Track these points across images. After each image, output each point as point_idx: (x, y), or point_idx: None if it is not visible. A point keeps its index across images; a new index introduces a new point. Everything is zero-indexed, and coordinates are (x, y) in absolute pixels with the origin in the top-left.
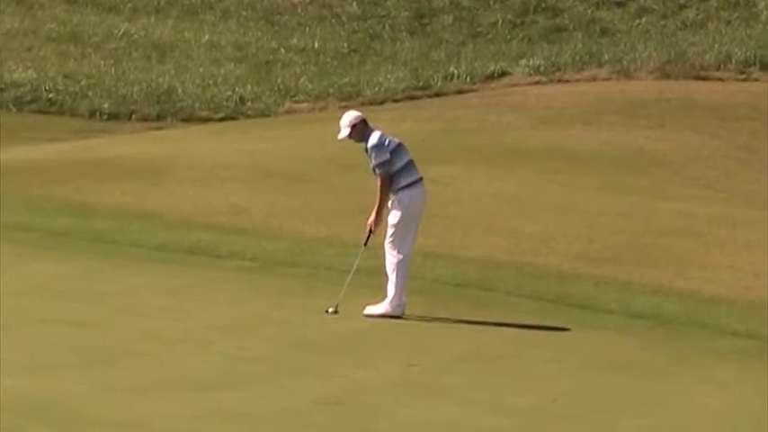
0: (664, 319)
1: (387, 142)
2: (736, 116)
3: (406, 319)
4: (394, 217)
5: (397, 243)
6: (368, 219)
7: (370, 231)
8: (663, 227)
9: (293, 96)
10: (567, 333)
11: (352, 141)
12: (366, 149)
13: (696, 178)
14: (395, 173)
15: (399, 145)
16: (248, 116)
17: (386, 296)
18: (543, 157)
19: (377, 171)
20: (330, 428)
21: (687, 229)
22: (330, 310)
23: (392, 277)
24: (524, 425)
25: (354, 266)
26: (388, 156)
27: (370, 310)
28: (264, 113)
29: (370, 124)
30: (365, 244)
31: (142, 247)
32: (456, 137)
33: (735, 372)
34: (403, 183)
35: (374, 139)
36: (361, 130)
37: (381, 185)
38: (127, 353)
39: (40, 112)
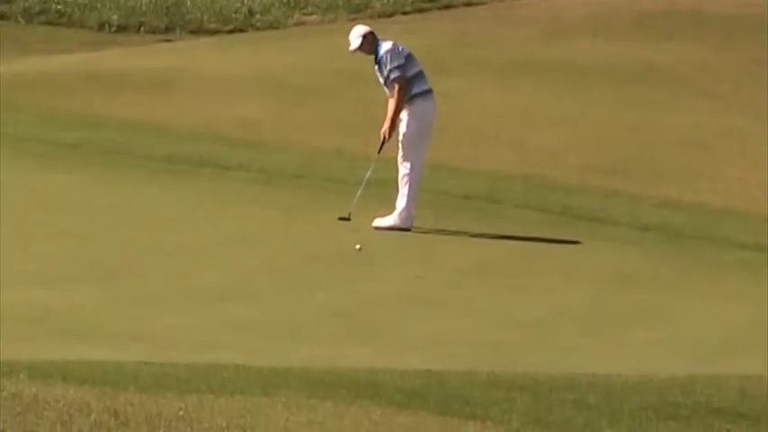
0: (672, 231)
1: (400, 48)
2: (746, 28)
3: (414, 231)
4: (407, 129)
5: (409, 156)
6: (381, 128)
7: (384, 139)
8: (672, 140)
9: (302, 9)
10: (574, 245)
11: (362, 54)
12: (377, 61)
13: (705, 91)
14: (408, 79)
15: (410, 54)
16: (257, 28)
17: (395, 208)
18: (552, 69)
19: (392, 76)
20: (339, 341)
21: (696, 141)
22: (345, 215)
23: (403, 190)
24: (532, 337)
25: (367, 176)
26: (402, 60)
27: (378, 222)
28: (273, 26)
29: (379, 37)
30: (378, 152)
31: (151, 160)
32: (465, 50)
33: (743, 284)
34: (416, 90)
35: (387, 45)
36: (371, 41)
37: (398, 91)
38: (135, 265)
39: (49, 23)
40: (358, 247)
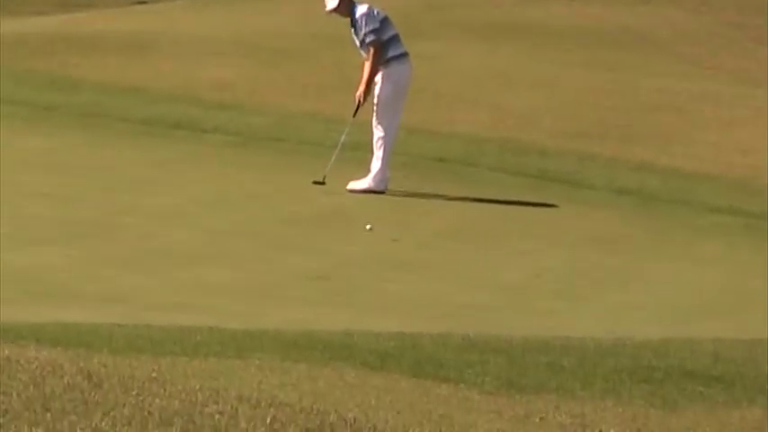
0: (647, 195)
1: (376, 12)
2: None
3: (389, 194)
4: (382, 92)
5: (385, 119)
6: (356, 91)
7: (359, 103)
8: (648, 103)
9: None
10: (550, 209)
11: (338, 17)
12: (353, 23)
13: (681, 55)
14: (384, 43)
15: (386, 18)
16: None
17: (369, 171)
18: (528, 33)
19: (367, 40)
20: (314, 303)
21: (672, 105)
22: (320, 178)
23: (378, 153)
24: (506, 300)
25: (341, 139)
26: (377, 24)
27: (353, 185)
28: None
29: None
30: (353, 115)
31: (127, 122)
32: (441, 12)
33: (717, 248)
34: (391, 53)
35: (363, 8)
36: (347, 4)
37: (374, 55)
38: (111, 226)
39: None
40: (369, 227)
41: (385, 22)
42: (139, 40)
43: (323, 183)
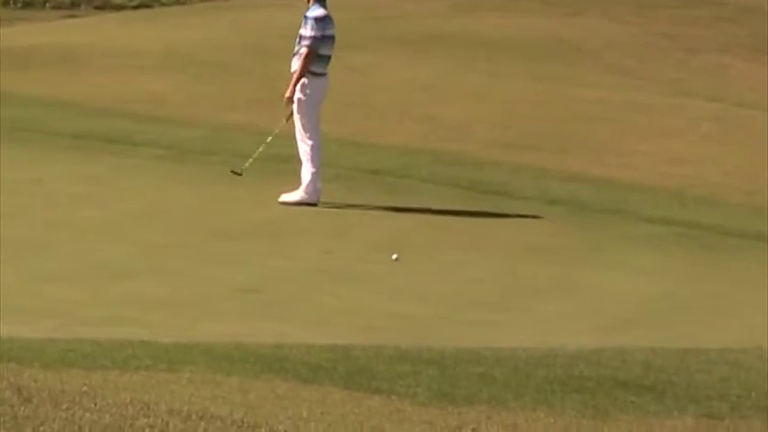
0: (579, 205)
1: (327, 25)
2: (655, 3)
3: (321, 206)
4: (301, 105)
5: (308, 130)
6: (284, 93)
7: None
8: (580, 114)
9: None
10: (482, 219)
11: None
12: (305, 16)
13: (613, 65)
14: (317, 55)
15: (333, 36)
16: (163, 4)
17: (300, 183)
18: (460, 44)
19: (304, 42)
20: (247, 316)
21: (604, 116)
22: (238, 170)
23: (307, 165)
24: (440, 311)
25: (269, 140)
26: (320, 34)
27: (285, 197)
28: (179, 1)
29: (326, 5)
30: (287, 121)
31: (58, 136)
32: (374, 24)
33: (650, 258)
34: (315, 69)
35: (320, 12)
36: None
37: (304, 57)
38: (44, 241)
39: None
40: (395, 257)
41: (328, 39)
42: (71, 53)
43: (240, 174)
